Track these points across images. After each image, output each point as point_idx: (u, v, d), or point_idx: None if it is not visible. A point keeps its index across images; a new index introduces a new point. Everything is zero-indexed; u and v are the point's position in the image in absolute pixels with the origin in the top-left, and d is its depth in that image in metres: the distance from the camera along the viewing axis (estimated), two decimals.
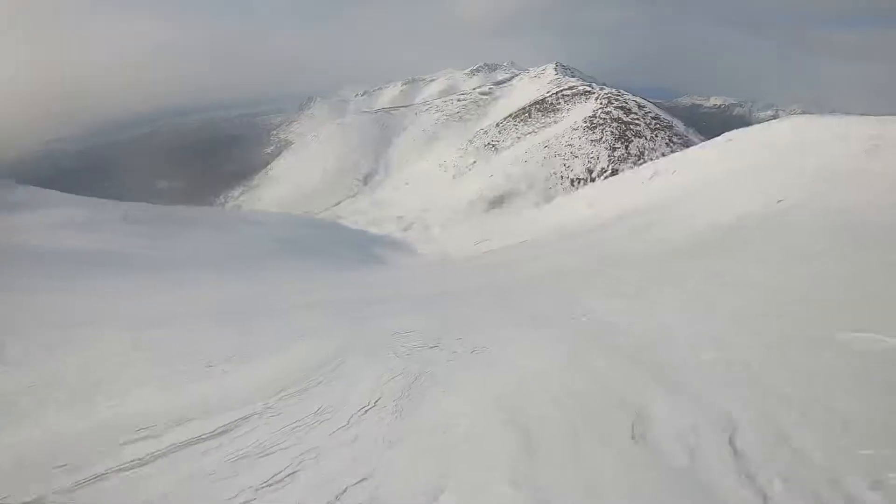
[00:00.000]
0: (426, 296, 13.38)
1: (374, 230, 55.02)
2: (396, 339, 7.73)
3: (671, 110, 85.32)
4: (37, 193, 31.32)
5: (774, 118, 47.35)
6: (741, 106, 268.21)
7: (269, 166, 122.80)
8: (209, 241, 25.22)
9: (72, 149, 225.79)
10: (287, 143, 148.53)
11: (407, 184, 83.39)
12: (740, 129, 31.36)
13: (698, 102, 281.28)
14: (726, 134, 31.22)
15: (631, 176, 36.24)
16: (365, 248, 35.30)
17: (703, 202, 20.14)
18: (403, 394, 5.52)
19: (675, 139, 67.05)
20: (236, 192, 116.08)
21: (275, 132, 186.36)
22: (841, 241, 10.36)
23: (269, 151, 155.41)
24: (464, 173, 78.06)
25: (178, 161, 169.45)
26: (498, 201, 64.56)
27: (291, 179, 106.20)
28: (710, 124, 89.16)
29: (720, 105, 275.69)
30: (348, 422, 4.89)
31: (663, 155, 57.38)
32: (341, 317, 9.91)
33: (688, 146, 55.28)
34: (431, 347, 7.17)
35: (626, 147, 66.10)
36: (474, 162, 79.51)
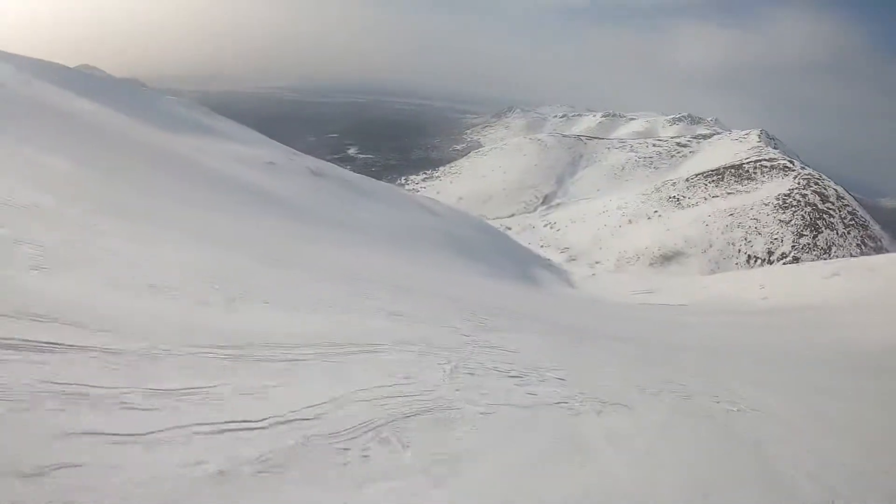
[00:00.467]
0: (562, 325, 11.05)
1: (539, 252, 55.12)
2: (486, 354, 5.68)
3: (870, 209, 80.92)
4: (231, 125, 33.71)
5: None
6: None
7: (455, 162, 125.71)
8: (382, 215, 26.03)
9: (281, 97, 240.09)
10: (478, 145, 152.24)
11: (584, 216, 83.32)
12: None
13: None
14: None
15: (812, 268, 35.18)
16: (525, 265, 35.11)
17: (885, 318, 19.10)
18: (365, 430, 3.44)
19: (867, 241, 63.77)
20: (418, 178, 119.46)
21: (469, 131, 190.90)
22: None
23: (458, 148, 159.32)
24: (641, 220, 77.29)
25: (374, 134, 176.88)
26: (667, 258, 63.94)
27: (473, 180, 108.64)
28: None
29: None
30: (206, 435, 2.88)
31: (851, 255, 55.11)
32: (455, 313, 7.73)
33: (880, 252, 52.96)
34: (512, 376, 5.14)
35: (814, 237, 63.60)
36: (655, 212, 78.58)
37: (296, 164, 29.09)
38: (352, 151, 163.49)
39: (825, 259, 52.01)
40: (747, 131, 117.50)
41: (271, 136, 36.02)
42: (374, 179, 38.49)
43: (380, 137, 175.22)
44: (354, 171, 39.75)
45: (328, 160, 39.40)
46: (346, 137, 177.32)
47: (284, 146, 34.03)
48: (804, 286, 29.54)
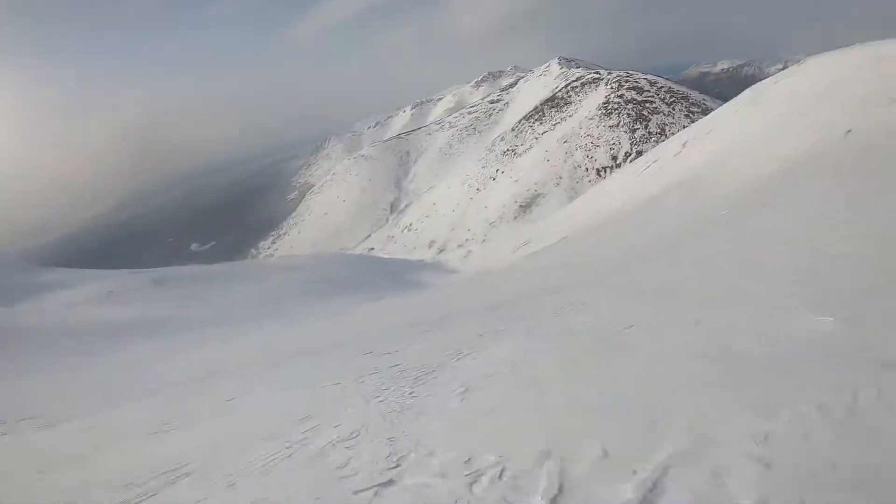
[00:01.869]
0: (496, 320, 7.47)
1: (408, 257, 54.53)
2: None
3: (681, 83, 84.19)
4: (63, 273, 31.52)
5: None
6: (749, 66, 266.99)
7: (294, 212, 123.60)
8: (242, 293, 24.71)
9: (109, 223, 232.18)
10: (309, 187, 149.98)
11: (434, 205, 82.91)
12: (764, 81, 30.18)
13: (706, 70, 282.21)
14: (749, 89, 30.15)
15: (660, 151, 35.16)
16: (401, 275, 34.16)
17: (744, 157, 18.98)
18: None
19: (693, 109, 65.90)
20: (268, 242, 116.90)
21: (295, 177, 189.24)
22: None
23: (292, 197, 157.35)
24: (488, 184, 77.46)
25: (208, 220, 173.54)
26: (528, 205, 63.88)
27: (318, 221, 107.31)
28: (722, 90, 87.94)
29: (728, 68, 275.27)
30: None
31: (684, 127, 56.04)
32: (340, 380, 5.50)
33: (707, 113, 53.94)
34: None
35: (646, 126, 65.25)
36: (497, 171, 78.77)
37: (135, 282, 27.26)
38: (194, 247, 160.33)
39: (664, 140, 52.54)
40: (547, 64, 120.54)
41: (109, 267, 35.05)
42: (223, 263, 36.63)
43: (216, 220, 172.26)
44: (206, 264, 37.75)
45: (176, 265, 37.67)
46: (183, 236, 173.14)
47: (122, 270, 32.69)
48: (660, 170, 29.38)
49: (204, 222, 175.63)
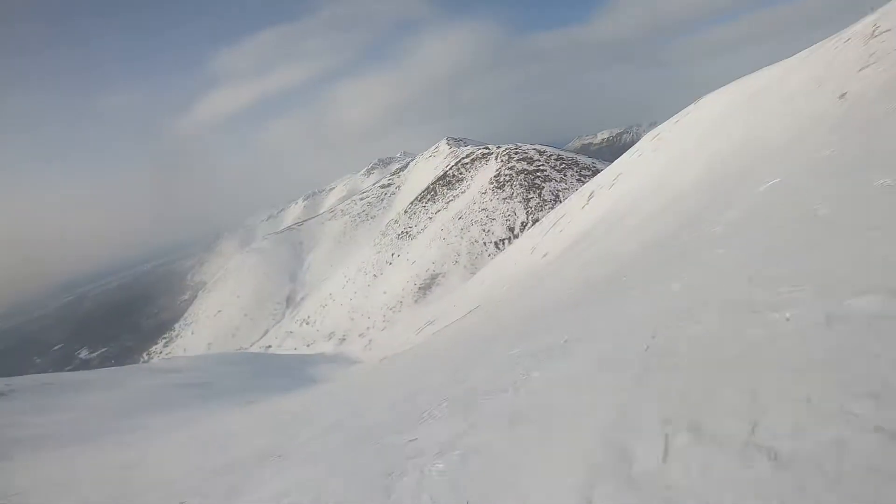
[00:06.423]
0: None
1: (308, 351, 52.51)
2: None
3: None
4: None
5: None
6: (628, 132, 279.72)
7: (187, 313, 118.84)
8: (94, 405, 21.36)
9: None
10: (202, 285, 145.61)
11: (331, 295, 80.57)
12: (664, 124, 29.88)
13: (587, 141, 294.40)
14: (650, 133, 29.97)
15: (565, 207, 34.36)
16: (296, 371, 31.74)
17: (657, 197, 17.76)
18: None
19: (584, 172, 66.31)
20: (160, 346, 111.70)
21: (188, 277, 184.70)
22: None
23: (185, 298, 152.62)
24: (385, 269, 75.61)
25: (98, 326, 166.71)
26: (428, 285, 62.38)
27: (212, 320, 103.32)
28: (605, 157, 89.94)
29: (608, 137, 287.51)
30: None
31: (577, 191, 55.95)
32: None
33: (597, 174, 53.91)
34: None
35: (540, 194, 65.21)
36: (393, 254, 77.15)
37: None
38: (84, 354, 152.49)
39: (559, 206, 52.15)
40: (436, 145, 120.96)
41: None
42: (84, 371, 32.59)
43: (106, 326, 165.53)
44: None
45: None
46: (72, 343, 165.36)
47: None
48: (570, 224, 28.56)
49: (94, 328, 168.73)
